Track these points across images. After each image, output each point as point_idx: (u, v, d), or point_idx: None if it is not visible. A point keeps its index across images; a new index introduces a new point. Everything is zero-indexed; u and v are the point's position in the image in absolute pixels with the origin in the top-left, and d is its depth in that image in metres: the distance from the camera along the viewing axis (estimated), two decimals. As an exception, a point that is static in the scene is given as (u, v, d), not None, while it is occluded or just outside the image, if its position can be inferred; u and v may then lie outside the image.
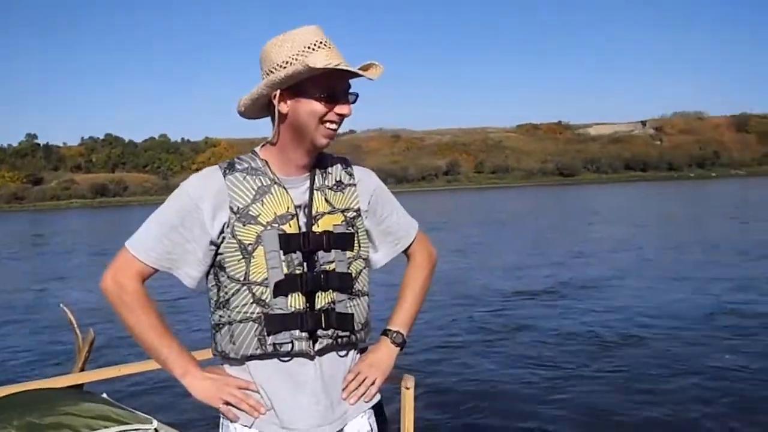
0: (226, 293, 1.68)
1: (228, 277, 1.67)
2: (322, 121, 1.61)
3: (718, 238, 17.81)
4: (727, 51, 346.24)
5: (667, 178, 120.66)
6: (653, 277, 12.09)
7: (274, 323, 1.65)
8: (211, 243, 1.68)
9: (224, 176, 1.68)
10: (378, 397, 1.82)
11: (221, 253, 1.67)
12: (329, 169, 1.76)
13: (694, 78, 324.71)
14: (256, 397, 1.70)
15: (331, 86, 1.59)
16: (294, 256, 1.66)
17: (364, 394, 1.77)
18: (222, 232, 1.66)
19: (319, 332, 1.67)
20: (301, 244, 1.66)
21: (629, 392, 5.67)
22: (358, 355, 1.82)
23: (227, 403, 1.69)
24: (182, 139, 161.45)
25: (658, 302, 9.64)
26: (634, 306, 9.43)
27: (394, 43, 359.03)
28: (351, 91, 1.64)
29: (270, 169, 1.70)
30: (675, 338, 7.47)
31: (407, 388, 2.10)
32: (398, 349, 1.84)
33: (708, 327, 7.93)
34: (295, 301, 1.66)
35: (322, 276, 1.67)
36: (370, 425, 1.81)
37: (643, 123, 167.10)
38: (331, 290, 1.68)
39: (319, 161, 1.74)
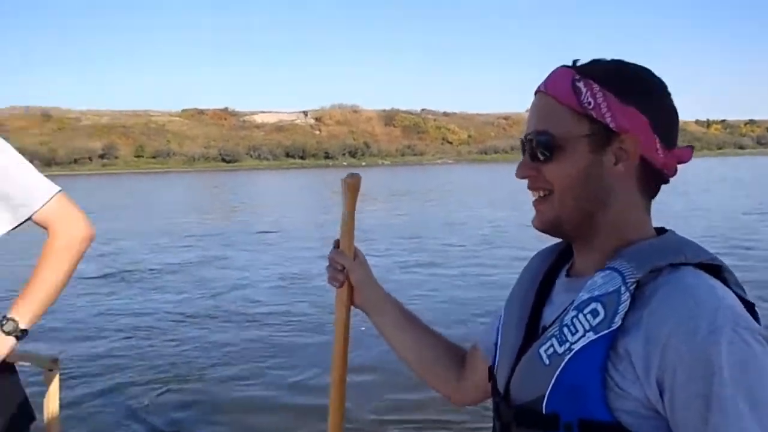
0: None
1: None
2: None
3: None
4: (383, 51, 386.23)
5: (323, 166, 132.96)
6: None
7: None
8: None
9: None
10: None
11: None
12: None
13: (351, 73, 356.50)
14: None
15: None
16: None
17: None
18: None
19: None
20: None
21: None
22: None
23: None
24: None
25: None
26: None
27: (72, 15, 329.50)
28: None
29: None
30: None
31: (50, 370, 1.96)
32: (10, 338, 1.70)
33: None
34: None
35: None
36: None
37: (305, 113, 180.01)
38: None
39: None
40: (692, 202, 22.82)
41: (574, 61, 1.04)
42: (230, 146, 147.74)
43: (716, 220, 17.25)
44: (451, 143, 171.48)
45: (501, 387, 1.08)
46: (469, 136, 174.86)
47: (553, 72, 1.05)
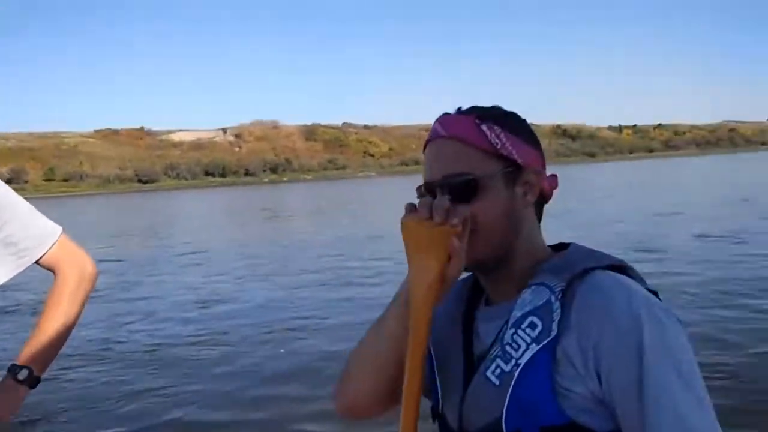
0: None
1: None
2: None
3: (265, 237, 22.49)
4: (303, 65, 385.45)
5: (244, 183, 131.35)
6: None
7: None
8: None
9: None
10: None
11: None
12: None
13: (270, 88, 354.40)
14: None
15: None
16: None
17: None
18: None
19: None
20: None
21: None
22: None
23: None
24: None
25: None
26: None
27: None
28: None
29: None
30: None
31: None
32: (23, 386, 1.61)
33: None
34: None
35: None
36: None
37: (224, 130, 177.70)
38: None
39: None
40: (611, 204, 23.60)
41: (458, 108, 1.13)
42: (146, 166, 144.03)
43: (629, 220, 17.88)
44: (373, 156, 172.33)
45: (454, 422, 1.09)
46: (391, 149, 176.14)
47: (444, 119, 1.12)
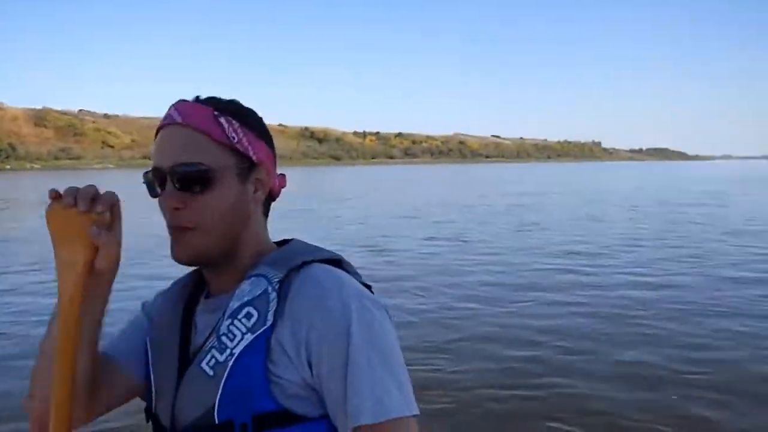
0: None
1: None
2: None
3: None
4: (32, 37, 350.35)
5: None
6: None
7: None
8: None
9: None
10: None
11: None
12: None
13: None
14: None
15: None
16: None
17: None
18: None
19: None
20: None
21: None
22: None
23: None
24: None
25: None
26: None
27: None
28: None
29: None
30: None
31: None
32: None
33: None
34: None
35: None
36: None
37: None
38: None
39: None
40: (353, 207, 24.72)
41: (196, 97, 1.10)
42: None
43: (368, 222, 18.89)
44: (112, 147, 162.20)
45: (166, 419, 1.07)
46: (133, 140, 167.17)
47: (181, 105, 1.08)
